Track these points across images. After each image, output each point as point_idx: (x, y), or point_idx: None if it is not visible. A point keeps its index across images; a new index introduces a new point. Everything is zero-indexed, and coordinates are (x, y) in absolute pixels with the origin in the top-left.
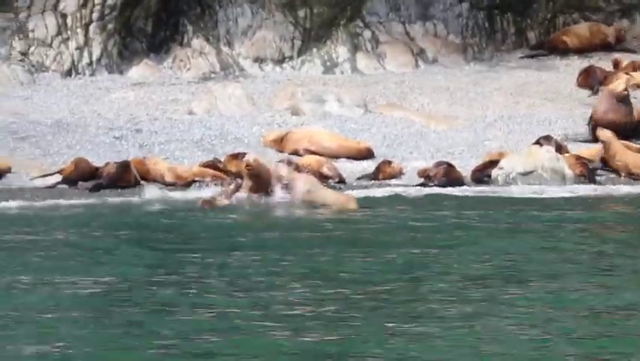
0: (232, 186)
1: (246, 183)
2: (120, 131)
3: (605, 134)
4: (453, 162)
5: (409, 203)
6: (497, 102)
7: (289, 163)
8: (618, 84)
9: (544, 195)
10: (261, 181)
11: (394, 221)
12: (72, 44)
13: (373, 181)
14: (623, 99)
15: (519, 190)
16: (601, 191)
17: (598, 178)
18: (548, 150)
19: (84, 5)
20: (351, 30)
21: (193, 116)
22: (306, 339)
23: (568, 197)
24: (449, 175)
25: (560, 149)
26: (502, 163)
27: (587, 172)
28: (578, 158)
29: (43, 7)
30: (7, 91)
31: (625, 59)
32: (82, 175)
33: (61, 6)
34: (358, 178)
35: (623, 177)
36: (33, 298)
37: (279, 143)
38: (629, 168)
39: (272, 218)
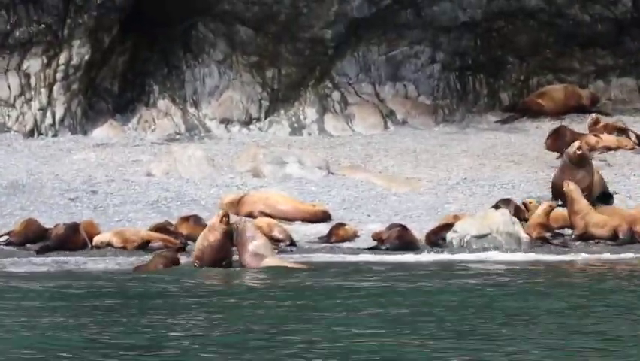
0: (169, 253)
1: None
2: (76, 193)
3: (569, 187)
4: (411, 225)
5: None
6: (462, 164)
7: (237, 226)
8: (572, 146)
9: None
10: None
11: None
12: (35, 104)
13: (325, 245)
14: (577, 162)
15: (460, 257)
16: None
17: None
18: (503, 214)
19: (48, 65)
20: (319, 91)
21: (151, 178)
22: None
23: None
24: (402, 238)
25: (518, 212)
26: (456, 226)
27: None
28: (540, 222)
29: (6, 66)
30: None
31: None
32: (31, 237)
33: (24, 66)
34: (309, 242)
35: (574, 238)
36: None
37: (235, 205)
38: (588, 227)
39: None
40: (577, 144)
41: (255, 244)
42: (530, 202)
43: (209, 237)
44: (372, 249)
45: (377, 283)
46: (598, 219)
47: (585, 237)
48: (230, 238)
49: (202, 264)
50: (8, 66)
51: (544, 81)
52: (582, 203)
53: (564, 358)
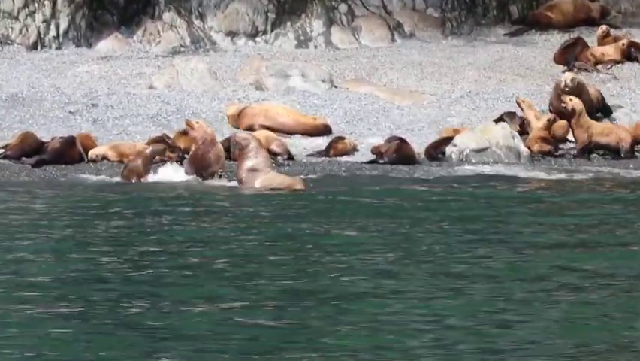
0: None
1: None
2: (76, 106)
3: (572, 102)
4: (412, 139)
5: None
6: (468, 78)
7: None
8: (565, 77)
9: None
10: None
11: None
12: (39, 17)
13: (323, 158)
14: (569, 93)
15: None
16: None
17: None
18: (503, 127)
19: None
20: (326, 3)
21: (152, 91)
22: None
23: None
24: (401, 152)
25: (522, 126)
26: (455, 140)
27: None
28: (542, 136)
29: None
30: None
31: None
32: (27, 150)
33: None
34: (308, 155)
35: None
36: None
37: (236, 118)
38: (592, 137)
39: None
40: (564, 79)
41: (255, 161)
42: (523, 101)
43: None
44: (370, 163)
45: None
46: (602, 128)
47: (589, 148)
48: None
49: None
50: None
51: None
52: (586, 117)
53: None
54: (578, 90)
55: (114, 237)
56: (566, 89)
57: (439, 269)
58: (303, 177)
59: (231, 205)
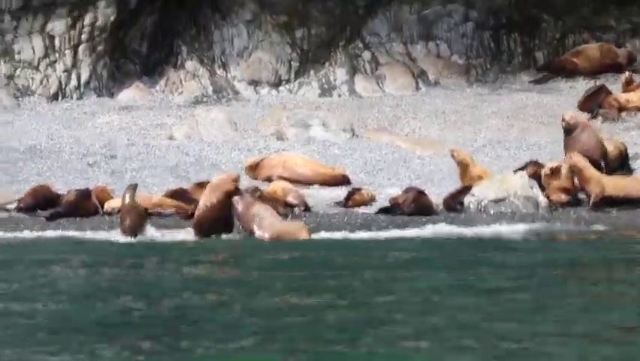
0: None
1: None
2: (94, 158)
3: (573, 159)
4: (431, 190)
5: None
6: (491, 126)
7: (254, 191)
8: (565, 114)
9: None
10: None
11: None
12: (60, 67)
13: (341, 209)
14: (570, 130)
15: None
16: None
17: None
18: (522, 176)
19: (73, 26)
20: (350, 51)
21: (171, 142)
22: None
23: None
24: (418, 202)
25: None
26: (474, 190)
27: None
28: (562, 186)
29: (30, 28)
30: None
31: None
32: (41, 202)
33: (49, 27)
34: (326, 206)
35: (592, 207)
36: None
37: (254, 169)
38: (605, 190)
39: None
40: (566, 115)
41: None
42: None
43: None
44: (385, 212)
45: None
46: (615, 182)
47: (603, 202)
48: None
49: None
50: (32, 28)
51: (580, 40)
52: (591, 170)
53: None
54: (579, 130)
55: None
56: (563, 124)
57: None
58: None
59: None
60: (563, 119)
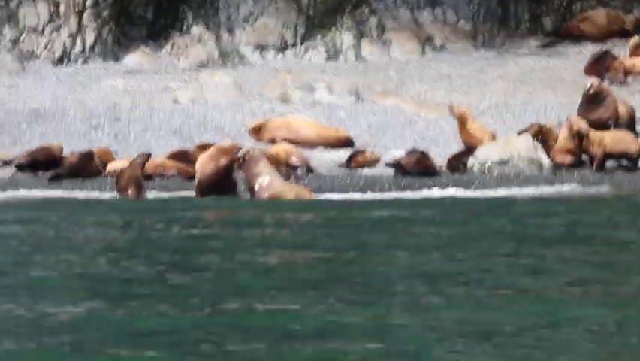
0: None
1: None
2: (98, 120)
3: (577, 124)
4: (435, 151)
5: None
6: (497, 90)
7: (254, 154)
8: (587, 84)
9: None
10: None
11: None
12: (64, 32)
13: (344, 170)
14: (592, 100)
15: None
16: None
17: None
18: (525, 139)
19: None
20: (356, 17)
21: (176, 105)
22: None
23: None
24: (421, 164)
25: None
26: (477, 152)
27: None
28: (566, 147)
29: None
30: None
31: None
32: (41, 160)
33: None
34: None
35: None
36: None
37: (257, 132)
38: (606, 149)
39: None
40: (589, 83)
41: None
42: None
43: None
44: (391, 170)
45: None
46: (612, 136)
47: (605, 161)
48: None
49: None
50: None
51: (587, 6)
52: (593, 132)
53: None
54: (599, 99)
55: None
56: (590, 91)
57: None
58: None
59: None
60: (590, 86)
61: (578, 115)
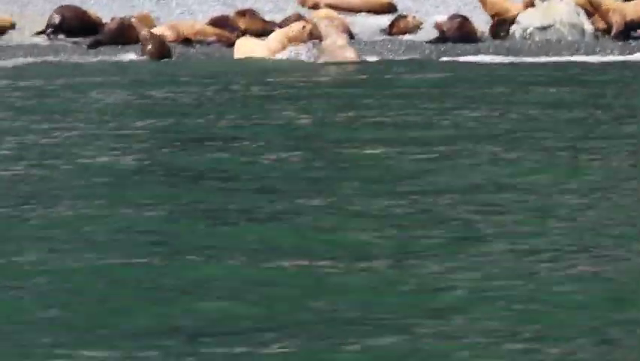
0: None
1: None
2: None
3: None
4: (479, 17)
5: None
6: None
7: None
8: None
9: None
10: None
11: None
12: None
13: (385, 36)
14: None
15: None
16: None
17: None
18: (567, 3)
19: None
20: None
21: None
22: None
23: None
24: (462, 29)
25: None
26: (519, 17)
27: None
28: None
29: None
30: None
31: None
32: (75, 24)
33: None
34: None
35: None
36: None
37: None
38: (626, 17)
39: None
40: None
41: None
42: None
43: None
44: (431, 42)
45: None
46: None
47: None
48: None
49: None
50: None
51: None
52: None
53: None
54: None
55: None
56: None
57: None
58: None
59: None
60: None
61: None
